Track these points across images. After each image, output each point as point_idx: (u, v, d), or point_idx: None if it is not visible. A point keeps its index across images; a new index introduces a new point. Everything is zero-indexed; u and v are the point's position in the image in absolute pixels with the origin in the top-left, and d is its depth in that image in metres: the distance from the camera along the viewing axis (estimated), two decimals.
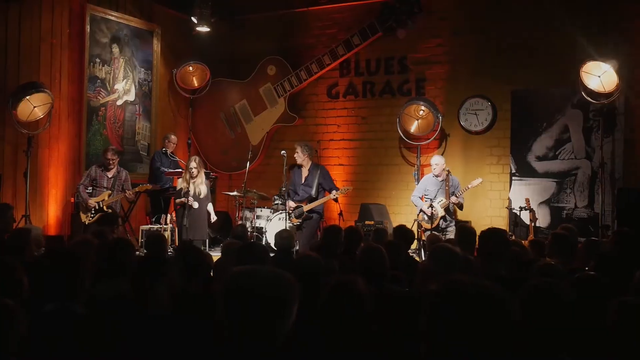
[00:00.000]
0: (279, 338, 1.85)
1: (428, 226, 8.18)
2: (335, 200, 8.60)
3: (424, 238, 8.49)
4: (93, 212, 8.06)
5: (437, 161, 8.40)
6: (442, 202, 8.19)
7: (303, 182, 8.72)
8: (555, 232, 5.33)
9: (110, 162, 8.29)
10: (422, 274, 3.52)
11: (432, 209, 8.12)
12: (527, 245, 5.90)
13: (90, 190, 8.23)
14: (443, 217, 8.24)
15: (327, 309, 2.52)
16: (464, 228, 5.61)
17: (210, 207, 8.22)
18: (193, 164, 8.22)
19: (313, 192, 8.57)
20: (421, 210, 8.35)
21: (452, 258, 3.43)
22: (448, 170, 8.24)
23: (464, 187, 8.31)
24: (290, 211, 8.55)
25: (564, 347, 2.26)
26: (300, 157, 8.72)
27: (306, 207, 8.54)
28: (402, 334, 2.79)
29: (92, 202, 8.08)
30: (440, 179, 8.35)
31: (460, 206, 8.40)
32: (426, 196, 8.38)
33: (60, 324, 2.63)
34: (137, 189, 8.40)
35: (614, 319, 2.40)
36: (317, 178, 8.60)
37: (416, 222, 8.78)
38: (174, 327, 2.89)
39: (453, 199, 8.13)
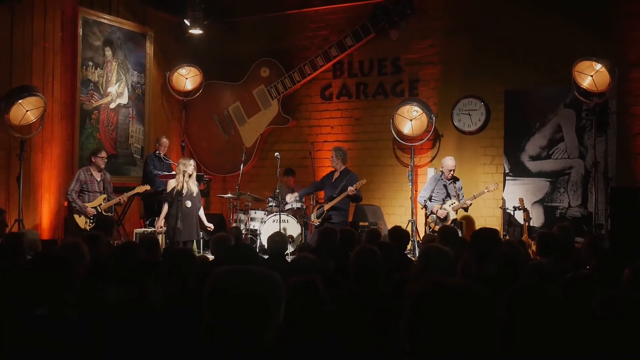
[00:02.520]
0: (266, 338, 1.83)
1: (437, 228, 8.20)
2: (355, 199, 8.51)
3: (419, 239, 8.52)
4: (92, 218, 7.92)
5: (450, 163, 8.42)
6: (454, 205, 8.23)
7: (333, 181, 8.69)
8: (541, 232, 5.30)
9: (105, 161, 8.10)
10: (414, 275, 3.52)
11: (444, 211, 8.22)
12: None
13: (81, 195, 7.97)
14: (454, 220, 8.28)
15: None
16: (445, 228, 5.61)
17: (201, 212, 7.95)
18: (191, 167, 7.76)
19: (336, 192, 8.50)
20: (432, 212, 8.35)
21: (443, 258, 3.42)
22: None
23: (478, 192, 8.36)
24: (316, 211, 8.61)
25: (552, 347, 2.25)
26: (334, 161, 8.68)
27: (327, 206, 8.51)
28: (396, 334, 2.78)
29: (91, 210, 7.86)
30: (449, 180, 8.40)
31: (466, 209, 8.47)
32: (434, 198, 8.40)
33: (50, 329, 2.62)
34: (136, 190, 8.25)
35: (601, 314, 2.37)
36: (345, 181, 8.50)
37: (410, 222, 8.78)
38: (168, 329, 2.88)
39: (460, 203, 8.22)
